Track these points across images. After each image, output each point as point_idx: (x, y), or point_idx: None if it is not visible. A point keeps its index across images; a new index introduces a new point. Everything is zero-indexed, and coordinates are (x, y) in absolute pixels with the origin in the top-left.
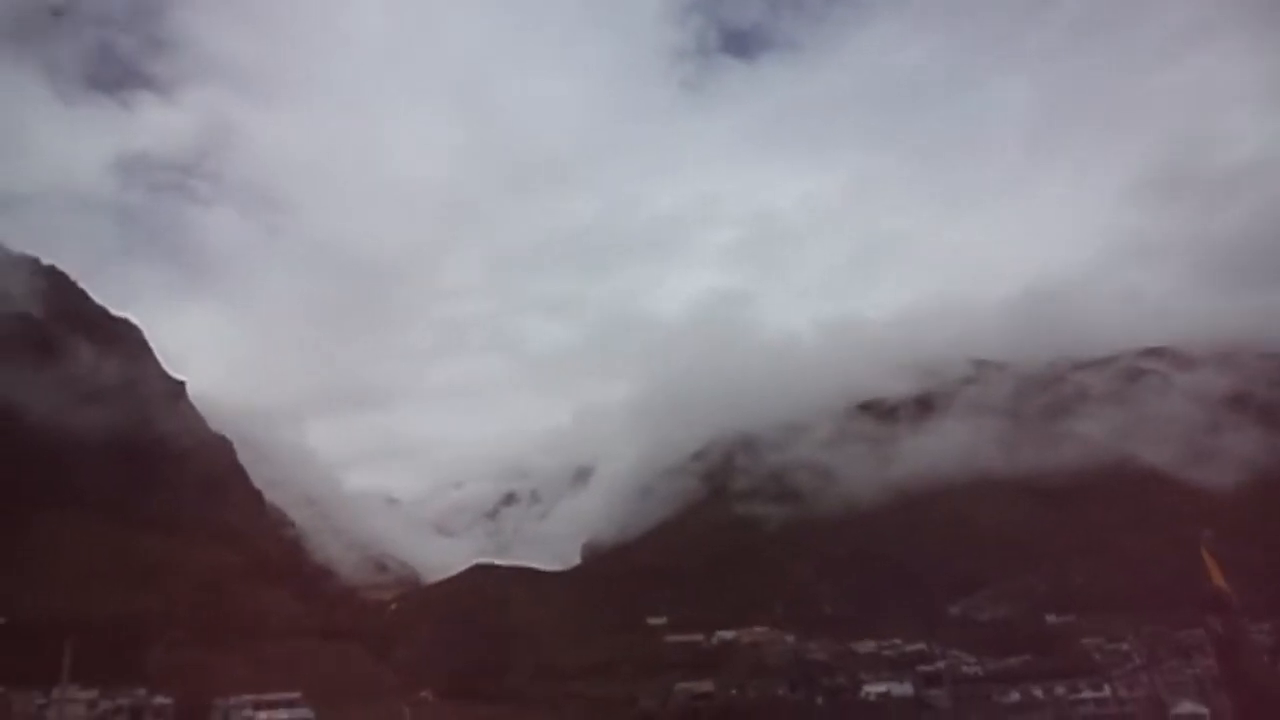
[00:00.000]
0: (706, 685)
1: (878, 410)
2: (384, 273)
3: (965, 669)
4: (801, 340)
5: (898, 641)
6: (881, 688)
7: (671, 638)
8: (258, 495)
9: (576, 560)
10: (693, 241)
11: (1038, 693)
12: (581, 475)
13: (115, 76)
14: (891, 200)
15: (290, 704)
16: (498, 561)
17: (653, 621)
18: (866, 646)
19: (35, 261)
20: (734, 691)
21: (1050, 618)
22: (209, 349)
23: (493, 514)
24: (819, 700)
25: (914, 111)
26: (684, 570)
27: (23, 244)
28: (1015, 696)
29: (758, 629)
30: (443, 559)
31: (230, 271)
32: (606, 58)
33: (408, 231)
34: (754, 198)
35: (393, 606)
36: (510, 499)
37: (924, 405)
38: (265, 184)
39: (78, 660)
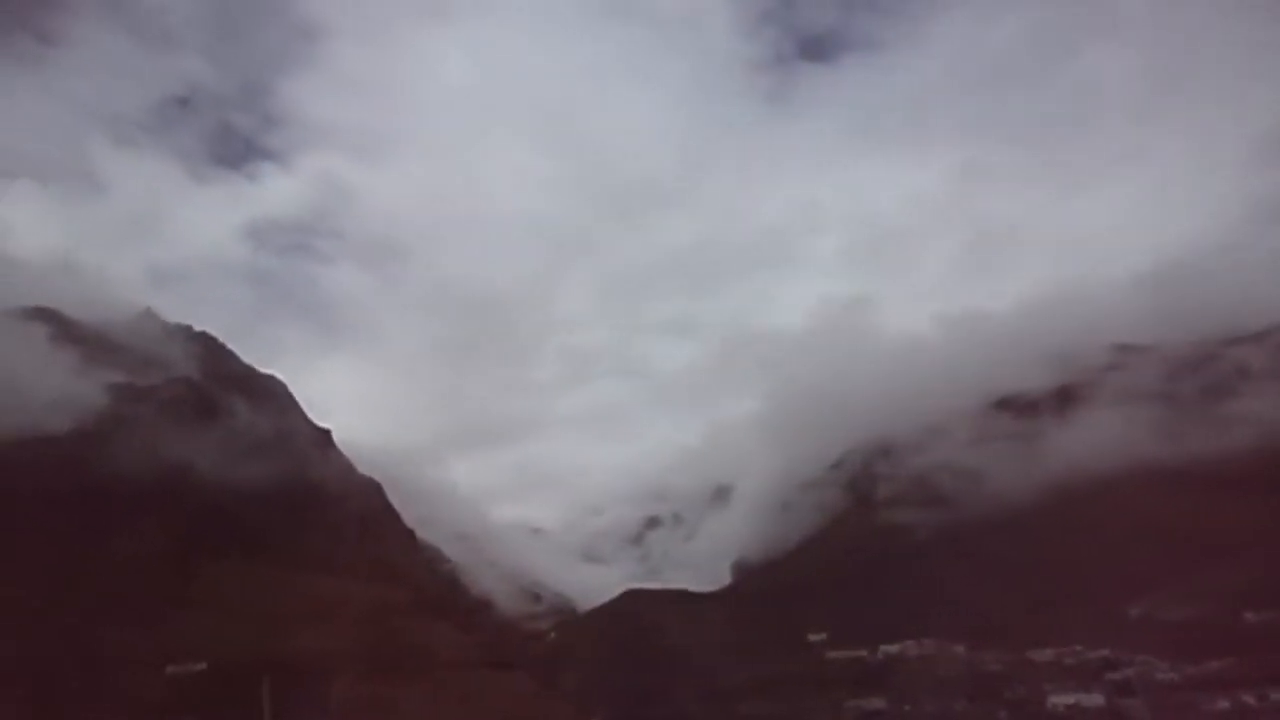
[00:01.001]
0: (878, 702)
1: (1016, 405)
2: (502, 308)
3: (1159, 676)
4: (925, 340)
5: (1078, 648)
6: (1069, 698)
7: (834, 653)
8: (410, 533)
9: (727, 580)
10: (800, 250)
11: (1249, 699)
12: (721, 494)
13: (237, 153)
14: (1000, 187)
15: None
16: (649, 585)
17: (813, 638)
18: (1044, 655)
19: (189, 329)
20: (907, 707)
21: (1249, 615)
22: (348, 397)
23: (637, 538)
24: (1002, 714)
25: (1010, 92)
26: (837, 583)
27: (176, 314)
28: (1224, 704)
29: (924, 641)
30: (593, 586)
31: (359, 321)
32: (687, 78)
33: (519, 266)
34: (856, 200)
35: (551, 635)
36: (653, 522)
37: (1066, 396)
38: (382, 236)
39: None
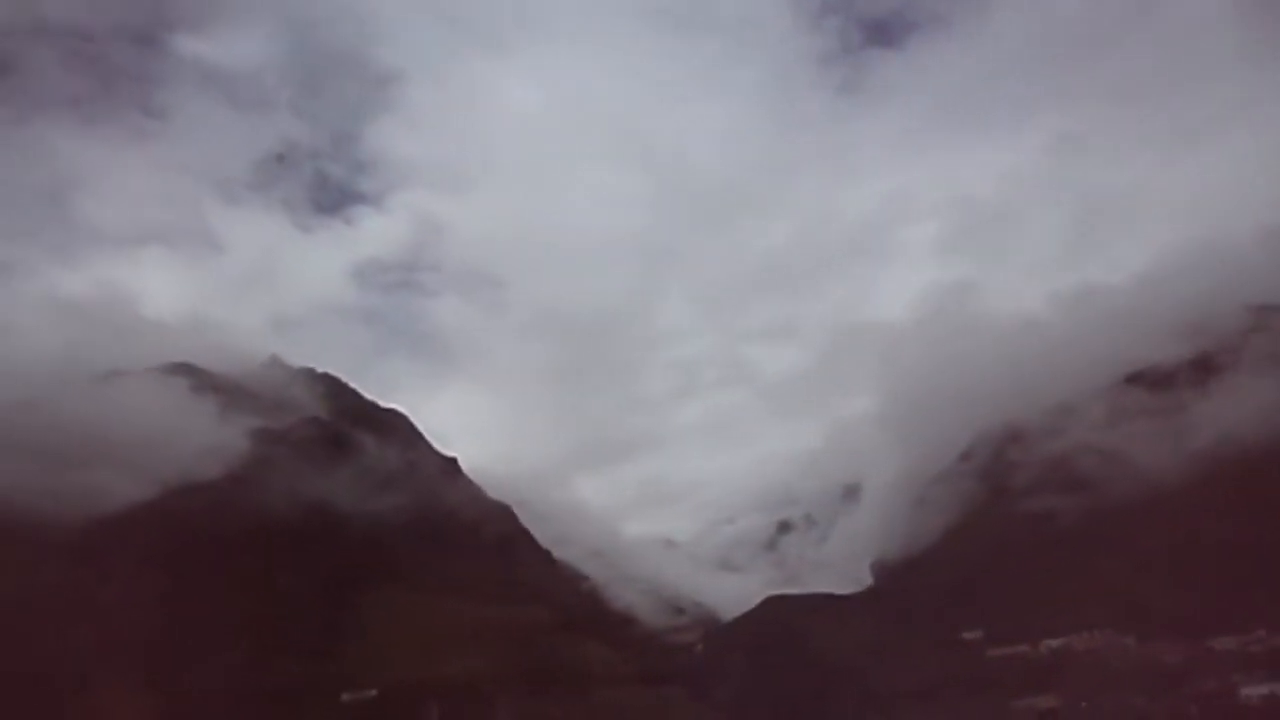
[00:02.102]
0: (1049, 700)
1: (1150, 380)
2: (604, 327)
3: None
4: (1041, 320)
5: (1262, 634)
6: (1262, 689)
7: (993, 651)
8: (547, 554)
9: (867, 580)
10: (897, 240)
11: None
12: (850, 494)
13: (335, 200)
14: (1100, 154)
15: None
16: (789, 591)
17: (968, 636)
18: (1225, 643)
19: (312, 371)
20: (1084, 704)
21: None
22: (468, 425)
23: (771, 544)
24: (1193, 709)
25: (1096, 54)
26: (984, 578)
27: (298, 358)
28: None
29: (1090, 634)
30: (733, 594)
31: (469, 351)
32: (757, 80)
33: (616, 284)
34: (949, 183)
35: (698, 647)
36: (785, 527)
37: (1203, 366)
38: (478, 266)
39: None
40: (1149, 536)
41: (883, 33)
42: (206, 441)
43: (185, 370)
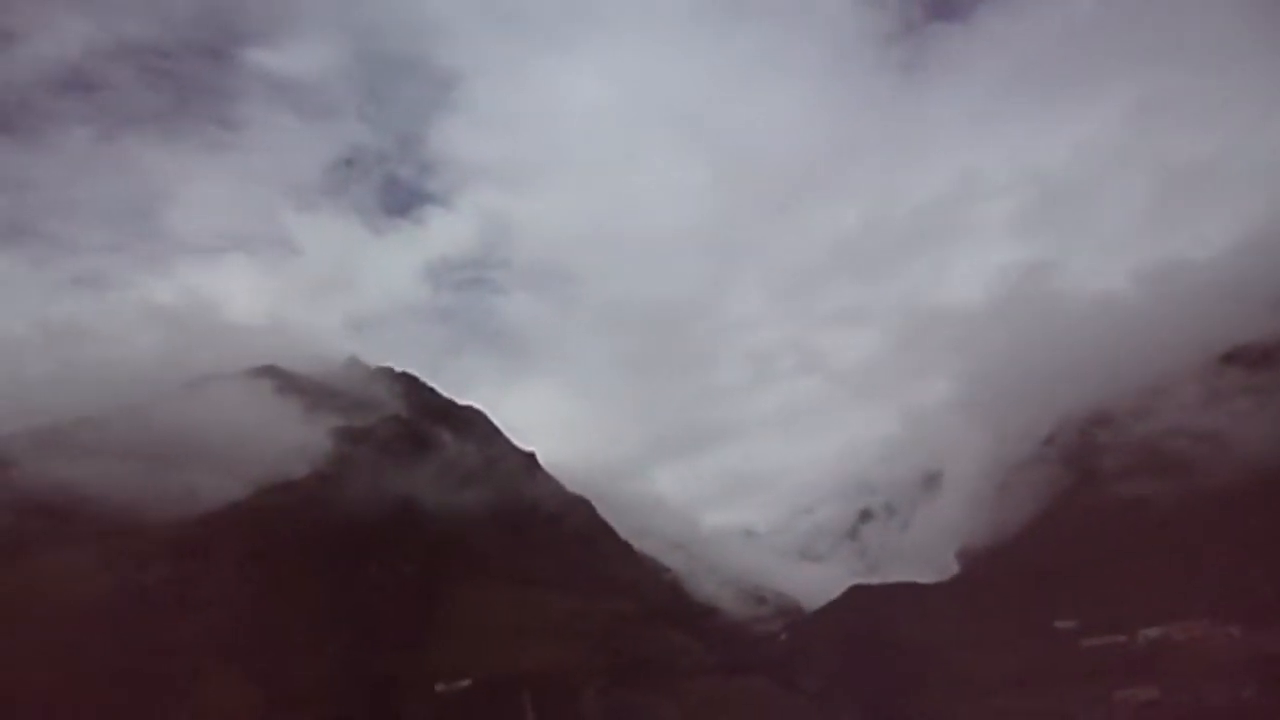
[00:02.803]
0: (1150, 691)
1: (1247, 358)
2: (676, 318)
3: None
4: (1123, 297)
5: None
6: None
7: (1088, 641)
8: (627, 546)
9: (952, 569)
10: (969, 220)
11: None
12: (931, 481)
13: (404, 201)
14: (1183, 121)
15: None
16: (872, 580)
17: (1061, 625)
18: None
19: (391, 370)
20: (1186, 696)
21: None
22: (543, 420)
23: (852, 533)
24: None
25: (1177, 13)
26: (1075, 565)
27: (376, 358)
28: None
29: (1190, 623)
30: (816, 585)
31: (541, 346)
32: (819, 63)
33: (686, 274)
34: (1022, 159)
35: (782, 637)
36: (866, 516)
37: None
38: (549, 261)
39: (519, 711)
40: (1250, 521)
41: (945, 7)
42: (293, 441)
43: (270, 373)
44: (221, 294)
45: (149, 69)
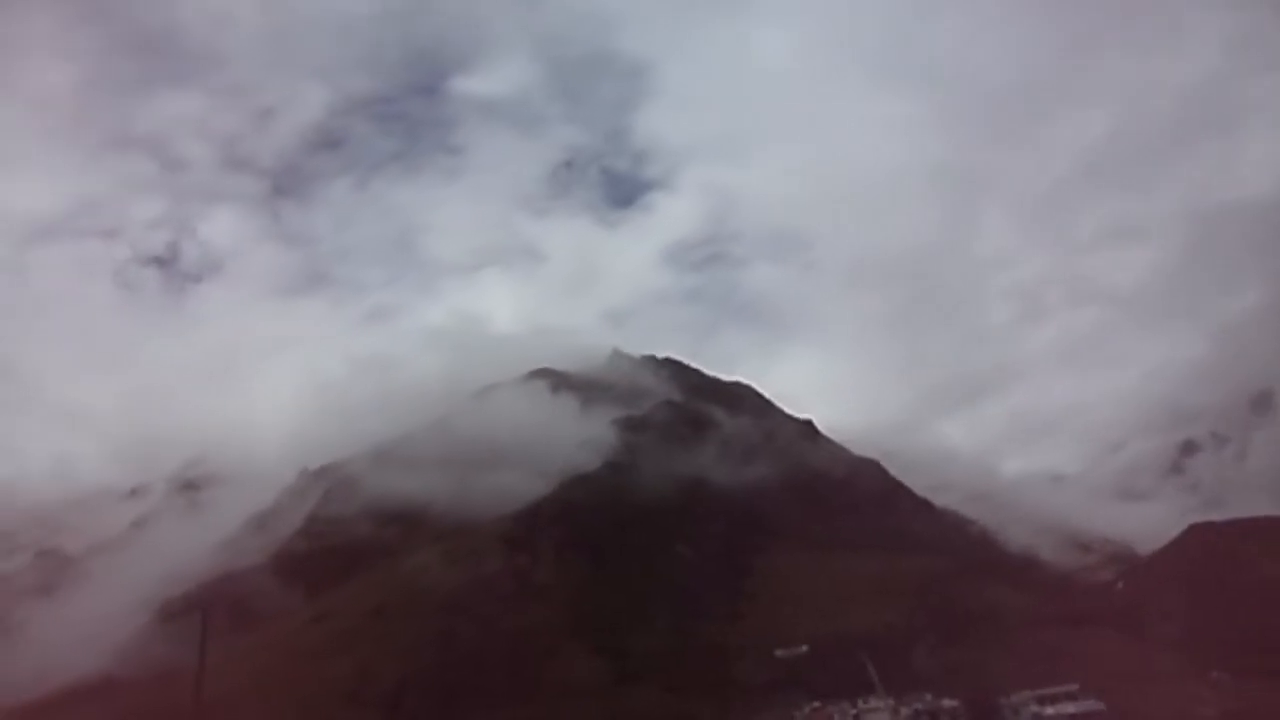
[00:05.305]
0: None
1: None
2: (926, 264)
3: None
4: None
5: None
6: None
7: None
8: (926, 503)
9: None
10: (1246, 99)
11: None
12: (1260, 402)
13: (626, 192)
14: None
15: (1072, 696)
16: (1214, 517)
17: None
18: None
19: (653, 357)
20: None
21: None
22: (811, 386)
23: (1176, 467)
24: None
25: None
26: None
27: (636, 347)
28: None
29: None
30: (1145, 526)
31: (792, 312)
32: None
33: (926, 217)
34: None
35: (1119, 585)
36: (1189, 447)
37: None
38: (781, 227)
39: (859, 672)
40: None
41: None
42: (579, 436)
43: (543, 375)
44: (485, 308)
45: (379, 116)
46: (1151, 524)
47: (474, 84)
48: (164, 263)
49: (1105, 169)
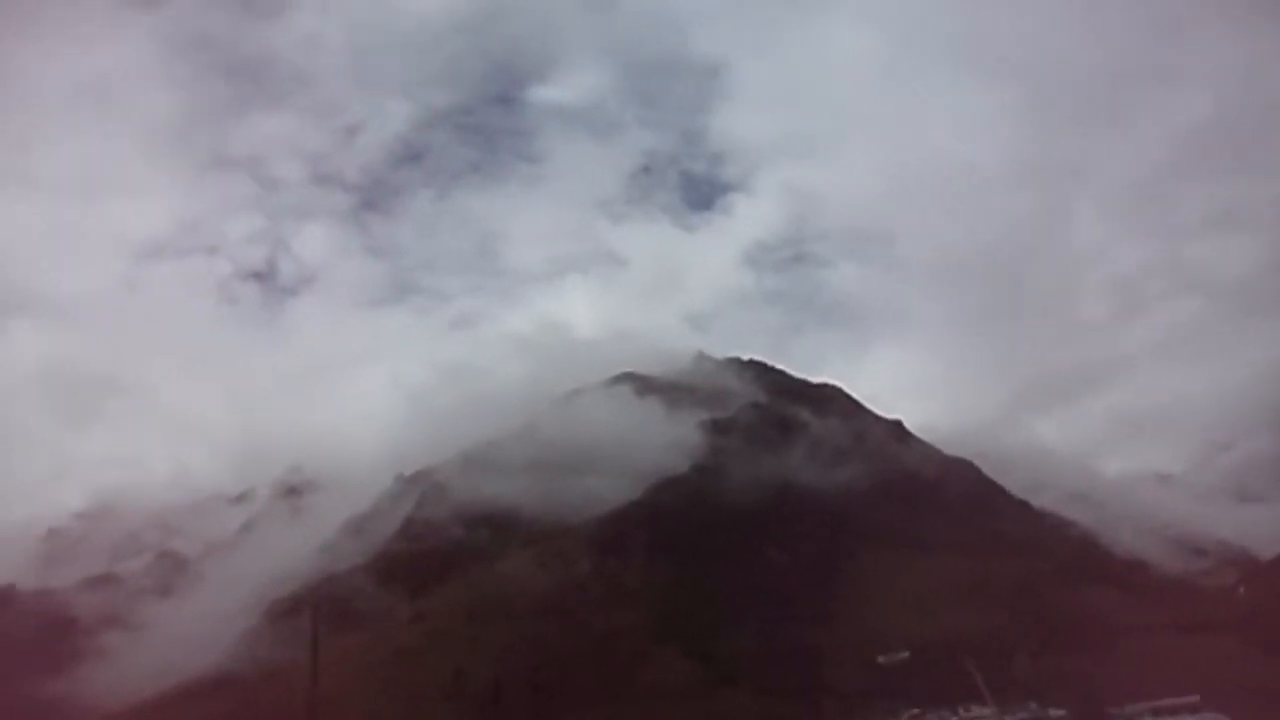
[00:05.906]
0: None
1: None
2: (1014, 258)
3: None
4: None
5: None
6: None
7: None
8: (1023, 504)
9: None
10: None
11: None
12: None
13: (705, 195)
14: None
15: (1194, 708)
16: None
17: None
18: None
19: (738, 360)
20: None
21: None
22: (900, 386)
23: None
24: None
25: None
26: None
27: (720, 350)
28: None
29: None
30: (1264, 527)
31: (877, 312)
32: None
33: (1013, 211)
34: None
35: (1240, 590)
36: None
37: None
38: (864, 226)
39: (958, 679)
40: None
41: None
42: (665, 440)
43: (628, 379)
44: (568, 314)
45: (459, 127)
46: (1269, 526)
47: (550, 92)
48: (262, 277)
49: (1206, 153)
